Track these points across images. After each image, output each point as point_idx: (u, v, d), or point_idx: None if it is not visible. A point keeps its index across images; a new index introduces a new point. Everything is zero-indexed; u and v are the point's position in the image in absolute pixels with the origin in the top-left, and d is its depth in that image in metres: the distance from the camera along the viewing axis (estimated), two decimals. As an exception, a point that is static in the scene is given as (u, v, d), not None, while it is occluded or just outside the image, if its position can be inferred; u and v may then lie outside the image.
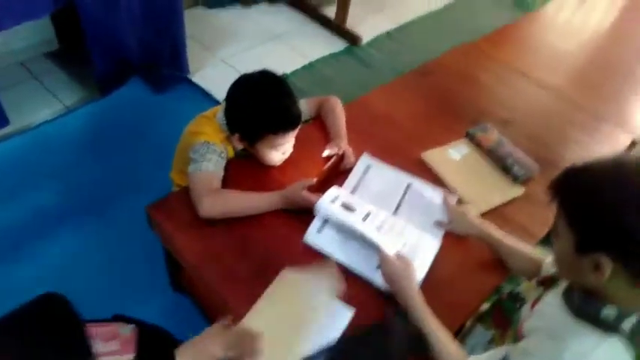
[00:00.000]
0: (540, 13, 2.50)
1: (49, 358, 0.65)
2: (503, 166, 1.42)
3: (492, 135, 1.48)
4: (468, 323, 1.15)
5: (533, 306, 0.97)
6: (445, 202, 1.25)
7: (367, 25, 2.96)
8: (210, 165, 1.20)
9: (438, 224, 1.23)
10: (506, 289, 1.22)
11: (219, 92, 2.26)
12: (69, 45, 2.31)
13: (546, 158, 1.51)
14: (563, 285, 0.91)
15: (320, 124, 1.45)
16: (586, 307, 0.79)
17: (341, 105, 1.46)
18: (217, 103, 2.21)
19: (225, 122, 1.27)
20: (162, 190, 1.63)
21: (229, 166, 1.27)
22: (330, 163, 1.27)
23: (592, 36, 2.32)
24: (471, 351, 1.04)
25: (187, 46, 2.23)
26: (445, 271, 1.15)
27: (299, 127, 1.24)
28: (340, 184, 1.28)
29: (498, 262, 1.17)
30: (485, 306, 1.16)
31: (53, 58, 2.30)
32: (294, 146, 1.31)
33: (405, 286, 1.00)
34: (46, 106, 2.09)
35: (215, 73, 2.40)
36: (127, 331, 0.91)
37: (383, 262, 1.05)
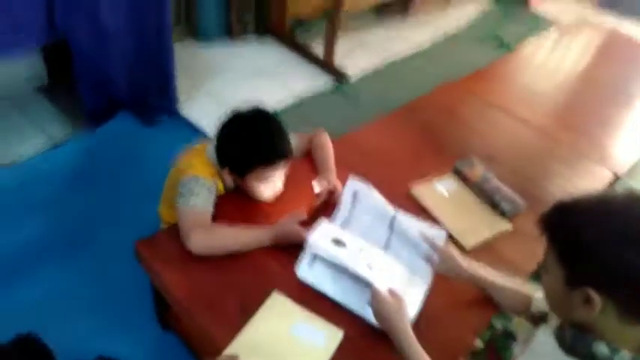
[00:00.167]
0: (519, 53, 2.60)
1: None
2: (490, 201, 1.44)
3: (478, 170, 1.51)
4: (461, 361, 1.14)
5: (524, 343, 0.97)
6: (433, 245, 1.21)
7: (354, 63, 3.03)
8: (198, 200, 1.19)
9: (428, 260, 1.22)
10: (498, 324, 1.22)
11: (207, 126, 2.27)
12: (58, 80, 2.31)
13: (531, 193, 1.54)
14: (553, 322, 0.91)
15: (309, 159, 1.46)
16: (578, 344, 0.79)
17: (329, 140, 1.48)
18: (205, 136, 2.22)
19: (215, 157, 1.27)
20: (149, 225, 1.62)
21: (219, 201, 1.26)
22: (319, 199, 1.28)
23: (567, 76, 2.41)
24: (465, 390, 1.02)
25: (176, 80, 2.25)
26: (435, 308, 1.14)
27: (289, 160, 1.25)
28: (329, 215, 1.28)
29: (488, 298, 1.17)
30: (478, 342, 1.15)
31: (43, 92, 2.30)
32: (284, 182, 1.31)
33: (397, 324, 0.99)
34: (34, 140, 2.07)
35: (203, 106, 2.42)
36: None
37: (374, 299, 1.04)
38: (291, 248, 1.18)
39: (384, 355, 1.03)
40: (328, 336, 1.03)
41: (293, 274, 1.14)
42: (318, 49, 3.03)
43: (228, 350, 0.96)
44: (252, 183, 1.25)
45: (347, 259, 1.13)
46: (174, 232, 1.19)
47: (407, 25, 3.67)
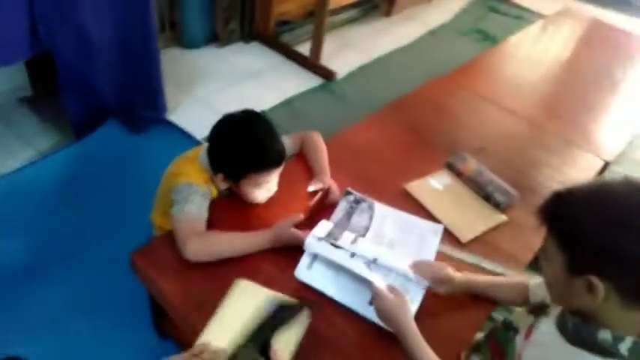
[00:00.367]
0: (504, 45, 2.62)
1: None
2: (484, 194, 1.45)
3: (471, 164, 1.52)
4: (463, 355, 1.14)
5: (526, 335, 0.97)
6: (423, 271, 1.14)
7: (341, 61, 3.03)
8: (193, 207, 1.18)
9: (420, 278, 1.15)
10: (498, 316, 1.22)
11: (198, 131, 2.25)
12: (43, 90, 2.28)
13: (523, 183, 1.55)
14: (554, 313, 0.91)
15: (302, 160, 1.46)
16: (581, 332, 0.80)
17: (322, 140, 1.47)
18: (196, 142, 2.20)
19: (207, 162, 1.26)
20: (142, 233, 1.60)
21: (213, 206, 1.25)
22: (316, 199, 1.27)
23: (552, 66, 2.44)
24: (469, 383, 1.02)
25: (164, 87, 2.23)
26: (435, 304, 1.14)
27: (283, 164, 1.24)
28: (327, 219, 1.28)
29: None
30: (479, 335, 1.15)
31: (27, 104, 2.27)
32: (278, 184, 1.31)
33: (401, 321, 0.99)
34: (20, 153, 2.04)
35: (192, 112, 2.41)
36: None
37: (376, 298, 1.03)
38: (289, 251, 1.17)
39: (388, 352, 1.03)
40: (302, 321, 1.03)
41: (291, 278, 1.13)
42: (304, 49, 3.03)
43: (201, 339, 0.94)
44: (247, 188, 1.24)
45: (345, 259, 1.13)
46: (169, 239, 1.18)
47: (391, 21, 3.68)
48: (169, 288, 1.10)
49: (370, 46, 3.30)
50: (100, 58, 1.95)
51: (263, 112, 2.47)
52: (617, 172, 1.73)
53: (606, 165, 1.77)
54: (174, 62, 2.69)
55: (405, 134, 1.72)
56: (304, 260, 1.15)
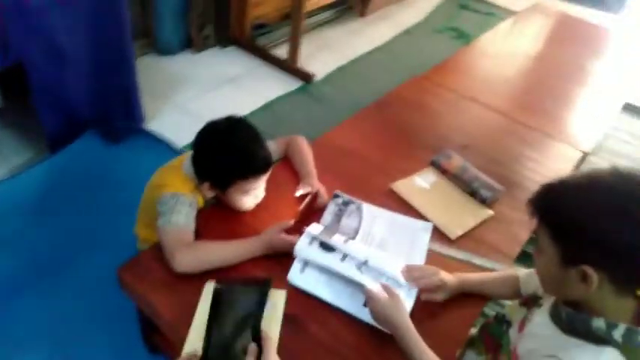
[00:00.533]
0: (478, 42, 2.66)
1: None
2: (470, 190, 1.46)
3: (456, 161, 1.53)
4: (458, 351, 1.14)
5: (520, 328, 0.99)
6: (416, 278, 1.13)
7: (318, 63, 3.03)
8: (180, 217, 1.16)
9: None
10: (490, 311, 1.23)
11: (177, 139, 2.22)
12: (15, 103, 2.21)
13: (506, 178, 1.57)
14: (547, 304, 0.93)
15: (288, 165, 1.45)
16: (575, 322, 0.81)
17: (307, 143, 1.47)
18: (176, 150, 2.17)
19: (193, 171, 1.24)
20: (126, 246, 1.57)
21: (200, 216, 1.23)
22: (304, 203, 1.26)
23: (525, 61, 2.49)
24: (466, 379, 1.03)
25: (141, 96, 2.19)
26: (429, 302, 1.14)
27: (270, 169, 1.23)
28: (317, 222, 1.27)
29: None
30: (473, 331, 1.16)
31: (-2, 117, 2.20)
32: (266, 190, 1.29)
33: (396, 320, 0.98)
34: (-8, 168, 1.97)
35: (171, 120, 2.37)
36: None
37: (370, 299, 1.03)
38: (281, 257, 1.16)
39: (385, 353, 1.03)
40: (273, 298, 1.03)
41: (284, 284, 1.12)
42: (281, 52, 3.02)
43: (186, 349, 0.94)
44: (234, 196, 1.22)
45: (336, 263, 1.12)
46: (156, 252, 1.15)
47: (366, 21, 3.71)
48: (159, 302, 1.08)
49: (347, 47, 3.31)
50: (74, 69, 1.90)
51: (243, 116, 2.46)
52: (596, 163, 1.77)
53: (584, 156, 1.81)
54: (149, 70, 2.65)
55: (388, 133, 1.73)
56: (296, 265, 1.14)
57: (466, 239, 1.34)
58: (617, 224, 0.71)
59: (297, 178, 1.40)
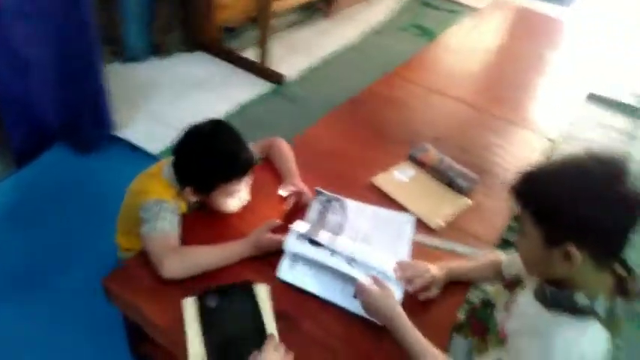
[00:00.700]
0: (443, 38, 2.72)
1: None
2: (447, 181, 1.50)
3: (432, 154, 1.57)
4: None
5: (506, 309, 1.03)
6: (409, 276, 1.15)
7: (289, 64, 3.04)
8: (165, 224, 1.15)
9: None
10: (474, 297, 1.27)
11: (151, 146, 2.19)
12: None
13: (478, 166, 1.62)
14: (530, 285, 0.97)
15: (270, 166, 1.45)
16: (559, 299, 0.85)
17: (287, 144, 1.48)
18: (151, 157, 2.14)
19: (174, 177, 1.23)
20: (104, 257, 1.54)
21: (185, 221, 1.22)
22: (290, 203, 1.27)
23: (488, 54, 2.57)
24: (456, 362, 1.06)
25: (110, 104, 2.15)
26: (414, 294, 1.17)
27: (253, 170, 1.23)
28: (302, 218, 1.28)
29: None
30: (460, 315, 1.20)
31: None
32: (249, 192, 1.30)
33: (388, 311, 1.00)
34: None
35: (143, 127, 2.33)
36: None
37: (360, 292, 1.05)
38: (269, 257, 1.17)
39: (377, 343, 1.05)
40: (259, 294, 1.07)
41: (274, 281, 1.13)
42: (250, 54, 3.01)
43: None
44: (219, 199, 1.22)
45: (325, 257, 1.14)
46: (142, 260, 1.14)
47: (333, 21, 3.74)
48: (150, 309, 1.06)
49: (316, 48, 3.34)
50: (40, 80, 1.86)
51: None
52: (565, 151, 1.85)
53: (552, 144, 1.88)
54: (117, 77, 2.58)
55: (364, 130, 1.76)
56: (285, 261, 1.15)
57: (447, 229, 1.38)
58: (597, 205, 0.75)
59: (279, 178, 1.41)
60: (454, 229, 1.39)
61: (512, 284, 1.07)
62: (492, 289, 1.24)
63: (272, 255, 1.17)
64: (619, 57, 3.68)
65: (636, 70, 3.67)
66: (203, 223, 1.26)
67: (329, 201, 1.34)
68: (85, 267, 1.68)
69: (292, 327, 1.06)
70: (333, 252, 1.16)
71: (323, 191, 1.36)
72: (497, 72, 2.42)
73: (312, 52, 3.28)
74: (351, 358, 1.03)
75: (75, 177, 2.02)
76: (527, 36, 2.79)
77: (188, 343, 0.99)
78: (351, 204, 1.36)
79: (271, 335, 0.96)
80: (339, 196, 1.37)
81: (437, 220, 1.37)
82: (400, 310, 1.01)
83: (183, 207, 1.26)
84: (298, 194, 1.30)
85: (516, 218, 1.68)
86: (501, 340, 0.96)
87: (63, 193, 1.95)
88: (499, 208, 1.49)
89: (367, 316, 1.06)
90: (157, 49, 2.88)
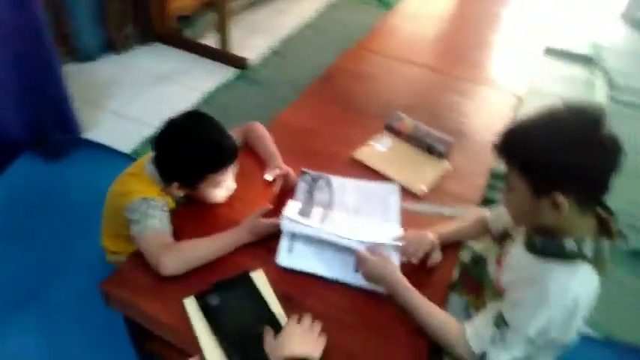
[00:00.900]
0: (399, 7, 2.72)
1: None
2: (425, 147, 1.54)
3: (408, 122, 1.60)
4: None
5: (498, 262, 1.08)
6: (415, 248, 1.16)
7: (250, 47, 3.00)
8: (156, 221, 1.14)
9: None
10: (465, 256, 1.32)
11: (122, 145, 2.14)
12: None
13: (452, 129, 1.66)
14: (519, 237, 1.02)
15: (251, 152, 1.45)
16: (549, 246, 0.90)
17: (264, 128, 1.47)
18: (124, 156, 2.09)
19: (157, 174, 1.22)
20: (94, 263, 1.52)
21: (176, 216, 1.21)
22: (277, 186, 1.28)
23: (445, 18, 2.60)
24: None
25: (73, 107, 2.07)
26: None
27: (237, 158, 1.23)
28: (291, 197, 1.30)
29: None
30: (454, 274, 1.25)
31: None
32: (235, 179, 1.30)
33: (389, 277, 1.04)
34: None
35: (111, 127, 2.27)
36: None
37: (360, 263, 1.08)
38: (265, 242, 1.18)
39: (385, 310, 1.08)
40: (258, 282, 1.08)
41: (274, 267, 1.14)
42: (210, 41, 2.95)
43: None
44: (206, 190, 1.22)
45: (323, 232, 1.16)
46: (137, 260, 1.13)
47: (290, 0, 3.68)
48: (152, 308, 1.07)
49: (276, 28, 3.29)
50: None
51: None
52: (531, 105, 1.91)
53: (518, 100, 1.94)
54: (76, 78, 2.48)
55: (338, 107, 1.76)
56: (283, 245, 1.17)
57: (431, 194, 1.41)
58: (580, 151, 0.79)
59: (261, 163, 1.41)
60: (437, 193, 1.43)
61: (502, 238, 1.12)
62: (481, 246, 1.29)
63: (268, 240, 1.18)
64: (571, 8, 3.80)
65: (589, 20, 3.79)
66: (193, 216, 1.26)
67: (315, 180, 1.36)
68: (74, 275, 1.65)
69: (297, 307, 1.08)
70: (329, 223, 1.18)
71: (308, 171, 1.37)
72: (456, 34, 2.46)
73: (272, 32, 3.24)
74: (361, 327, 1.06)
75: (48, 185, 1.96)
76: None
77: (203, 349, 0.98)
78: (337, 180, 1.38)
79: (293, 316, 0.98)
80: (323, 174, 1.38)
81: (420, 186, 1.41)
82: (400, 275, 1.05)
83: (170, 203, 1.25)
84: (284, 176, 1.31)
85: (495, 176, 1.74)
86: (498, 293, 1.01)
87: (39, 202, 1.90)
88: (477, 168, 1.54)
89: (370, 287, 1.09)
90: (113, 45, 2.77)
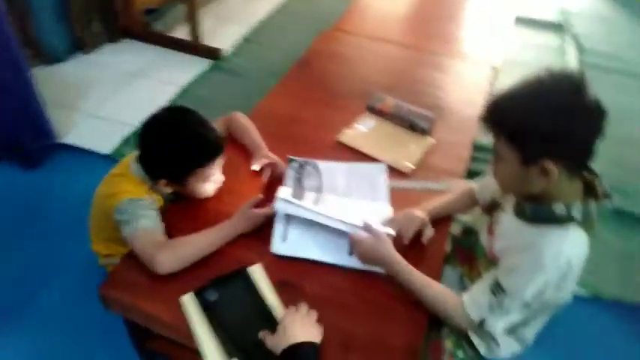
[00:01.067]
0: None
1: None
2: (408, 124, 1.55)
3: (389, 101, 1.61)
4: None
5: (490, 232, 1.10)
6: (408, 228, 1.18)
7: (222, 37, 2.95)
8: (146, 221, 1.13)
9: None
10: (456, 229, 1.35)
11: (100, 147, 2.10)
12: None
13: (432, 104, 1.68)
14: (508, 206, 1.04)
15: (235, 143, 1.44)
16: (538, 212, 0.92)
17: (247, 118, 1.46)
18: (103, 157, 2.05)
19: (143, 173, 1.20)
20: (86, 268, 1.50)
21: (166, 214, 1.20)
22: (266, 175, 1.28)
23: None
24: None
25: (46, 111, 2.02)
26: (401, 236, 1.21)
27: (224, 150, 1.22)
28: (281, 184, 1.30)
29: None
30: (447, 247, 1.27)
31: None
32: (222, 172, 1.29)
33: (384, 256, 1.05)
34: None
35: (87, 129, 2.22)
36: None
37: (354, 245, 1.09)
38: (258, 232, 1.18)
39: (384, 288, 1.10)
40: (256, 277, 1.08)
41: (269, 256, 1.14)
42: (180, 33, 2.89)
43: None
44: (195, 185, 1.21)
45: (317, 214, 1.16)
46: (132, 261, 1.12)
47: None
48: (152, 307, 1.06)
49: (246, 15, 3.24)
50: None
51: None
52: (507, 75, 1.93)
53: (494, 70, 1.97)
54: (46, 82, 2.40)
55: (318, 91, 1.76)
56: (277, 232, 1.17)
57: (418, 170, 1.43)
58: (566, 117, 0.80)
59: (246, 153, 1.40)
60: (423, 169, 1.44)
61: (491, 208, 1.14)
62: (470, 218, 1.32)
63: (261, 230, 1.18)
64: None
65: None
66: (184, 213, 1.25)
67: (302, 166, 1.36)
68: (66, 281, 1.63)
69: (296, 292, 1.08)
70: (321, 206, 1.19)
71: (295, 158, 1.37)
72: (427, 10, 2.48)
73: (243, 20, 3.19)
74: (361, 307, 1.07)
75: (29, 194, 1.92)
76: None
77: (201, 344, 0.98)
78: (324, 165, 1.38)
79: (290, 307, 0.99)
80: (310, 160, 1.38)
81: (406, 164, 1.42)
82: (395, 253, 1.06)
83: (160, 200, 1.24)
84: (272, 165, 1.31)
85: (478, 148, 1.77)
86: (492, 262, 1.03)
87: (22, 213, 1.86)
88: (460, 141, 1.56)
89: (366, 268, 1.11)
90: (80, 44, 2.70)
